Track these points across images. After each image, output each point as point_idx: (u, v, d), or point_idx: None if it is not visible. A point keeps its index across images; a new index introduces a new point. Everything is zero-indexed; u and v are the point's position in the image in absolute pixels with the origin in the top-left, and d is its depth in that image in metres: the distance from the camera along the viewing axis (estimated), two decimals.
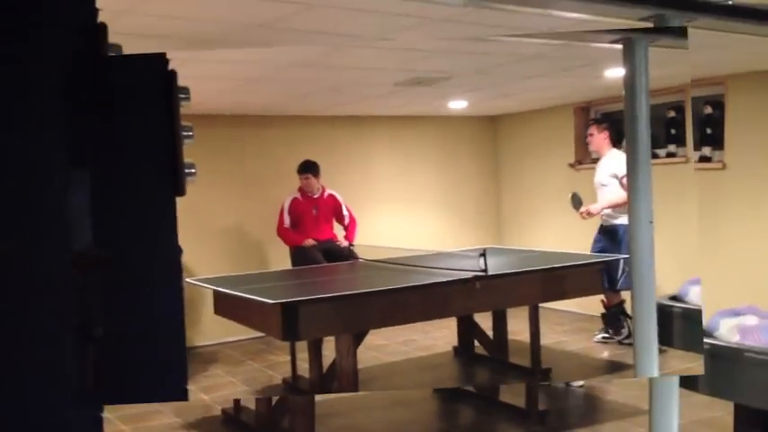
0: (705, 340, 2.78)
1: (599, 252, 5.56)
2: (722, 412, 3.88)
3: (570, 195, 5.69)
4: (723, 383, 2.72)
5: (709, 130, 5.79)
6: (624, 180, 5.32)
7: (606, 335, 5.91)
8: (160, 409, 4.79)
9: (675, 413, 2.63)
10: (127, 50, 1.25)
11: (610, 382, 5.41)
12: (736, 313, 2.91)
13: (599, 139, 5.70)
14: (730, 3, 2.57)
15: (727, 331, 2.80)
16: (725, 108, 5.58)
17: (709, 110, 5.80)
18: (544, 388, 5.15)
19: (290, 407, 4.25)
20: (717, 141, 5.67)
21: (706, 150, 5.83)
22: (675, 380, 2.63)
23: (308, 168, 6.17)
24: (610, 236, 5.59)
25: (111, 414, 4.51)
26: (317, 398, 4.14)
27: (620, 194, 5.29)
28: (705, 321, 2.92)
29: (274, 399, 4.47)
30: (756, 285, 5.28)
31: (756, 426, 2.80)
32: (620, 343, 5.78)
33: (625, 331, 5.77)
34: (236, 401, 4.77)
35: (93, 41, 1.16)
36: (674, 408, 2.63)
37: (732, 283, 5.44)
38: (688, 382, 2.70)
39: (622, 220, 5.33)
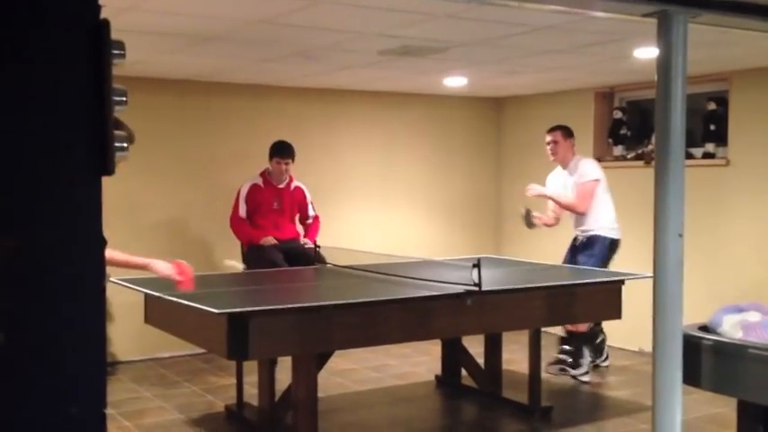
0: (708, 336, 3.13)
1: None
2: (725, 408, 4.57)
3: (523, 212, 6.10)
4: (726, 380, 3.08)
5: (712, 127, 6.49)
6: (588, 185, 5.91)
7: (564, 365, 6.02)
8: (163, 405, 5.35)
9: (679, 409, 2.94)
10: (130, 47, 1.40)
11: (613, 379, 6.08)
12: (740, 309, 3.23)
13: (566, 147, 6.04)
14: None
15: (731, 327, 3.13)
16: (729, 104, 6.35)
17: (712, 106, 6.48)
18: (549, 384, 5.69)
19: (293, 403, 4.33)
20: (721, 138, 6.44)
21: (710, 147, 6.52)
22: (679, 376, 2.93)
23: (292, 153, 6.16)
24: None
25: (113, 410, 5.03)
26: (320, 394, 4.37)
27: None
28: (708, 317, 3.26)
29: (277, 395, 4.79)
30: (760, 282, 5.94)
31: (759, 422, 3.13)
32: (575, 378, 5.96)
33: (585, 362, 5.97)
34: (239, 397, 5.13)
35: (96, 38, 1.30)
36: (677, 404, 2.93)
37: (736, 280, 6.15)
38: (691, 379, 3.04)
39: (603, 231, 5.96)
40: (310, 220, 6.40)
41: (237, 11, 4.12)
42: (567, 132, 6.05)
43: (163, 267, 4.13)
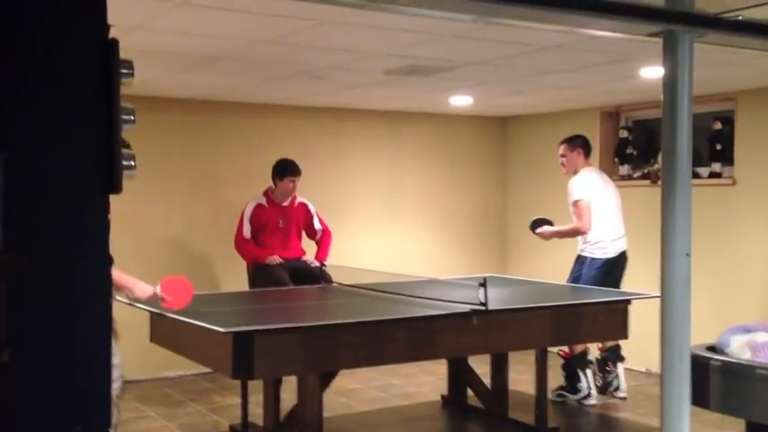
0: (716, 357, 3.13)
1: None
2: (733, 431, 4.58)
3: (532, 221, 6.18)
4: (734, 401, 3.08)
5: (719, 146, 6.49)
6: (579, 204, 5.80)
7: (563, 391, 5.94)
8: (167, 424, 5.33)
9: (686, 431, 2.92)
10: (138, 66, 1.42)
11: (620, 399, 5.97)
12: (748, 330, 3.24)
13: (573, 158, 5.98)
14: (740, 18, 2.85)
15: (739, 348, 3.14)
16: (735, 124, 6.36)
17: (718, 125, 6.49)
18: (555, 405, 5.66)
19: (298, 423, 4.31)
20: (727, 158, 6.44)
21: (715, 167, 6.52)
22: (687, 397, 2.92)
23: (299, 171, 6.15)
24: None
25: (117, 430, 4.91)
26: (325, 414, 4.34)
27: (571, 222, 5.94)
28: (716, 338, 3.27)
29: (282, 414, 4.77)
30: (767, 302, 5.90)
31: None
32: (578, 402, 5.84)
33: (583, 386, 5.84)
34: (244, 417, 5.11)
35: (105, 57, 1.33)
36: (685, 425, 2.92)
37: (743, 300, 6.13)
38: (699, 399, 3.04)
39: (588, 251, 5.87)
40: (319, 235, 6.36)
41: (244, 31, 4.14)
42: (573, 144, 5.98)
43: (143, 289, 4.05)
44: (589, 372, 5.83)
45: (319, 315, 4.88)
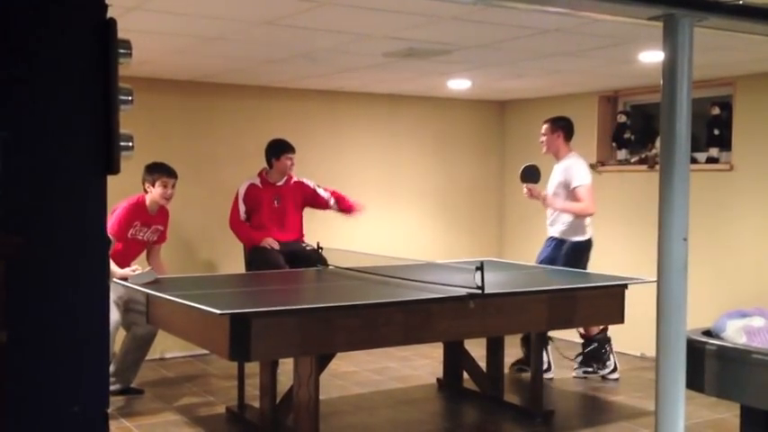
0: (711, 341, 3.13)
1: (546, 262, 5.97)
2: (728, 414, 4.75)
3: (523, 168, 5.99)
4: (729, 385, 3.09)
5: (716, 132, 6.49)
6: (578, 191, 5.81)
7: (589, 369, 6.11)
8: (164, 405, 5.36)
9: (681, 414, 2.96)
10: (136, 46, 1.42)
11: (615, 383, 6.03)
12: (744, 315, 3.25)
13: (553, 140, 6.01)
14: (740, 2, 2.86)
15: (734, 332, 3.14)
16: (733, 109, 6.35)
17: (716, 111, 6.48)
18: (549, 387, 5.69)
19: (294, 405, 4.34)
20: (724, 143, 6.44)
21: (713, 152, 6.51)
22: (682, 381, 2.95)
23: (294, 148, 6.14)
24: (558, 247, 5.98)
25: (114, 410, 5.04)
26: (321, 396, 4.35)
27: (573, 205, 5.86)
28: (712, 322, 3.28)
29: (279, 397, 4.78)
30: (764, 287, 5.95)
31: (762, 428, 3.14)
32: (603, 378, 6.04)
33: (611, 364, 6.08)
34: (241, 399, 5.12)
35: (103, 37, 1.33)
36: (679, 409, 2.96)
37: (739, 285, 6.15)
38: (694, 383, 3.06)
39: (576, 236, 5.90)
40: (332, 200, 6.31)
41: (242, 12, 4.12)
42: (555, 125, 6.01)
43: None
44: (549, 348, 6.02)
45: (316, 298, 4.88)
